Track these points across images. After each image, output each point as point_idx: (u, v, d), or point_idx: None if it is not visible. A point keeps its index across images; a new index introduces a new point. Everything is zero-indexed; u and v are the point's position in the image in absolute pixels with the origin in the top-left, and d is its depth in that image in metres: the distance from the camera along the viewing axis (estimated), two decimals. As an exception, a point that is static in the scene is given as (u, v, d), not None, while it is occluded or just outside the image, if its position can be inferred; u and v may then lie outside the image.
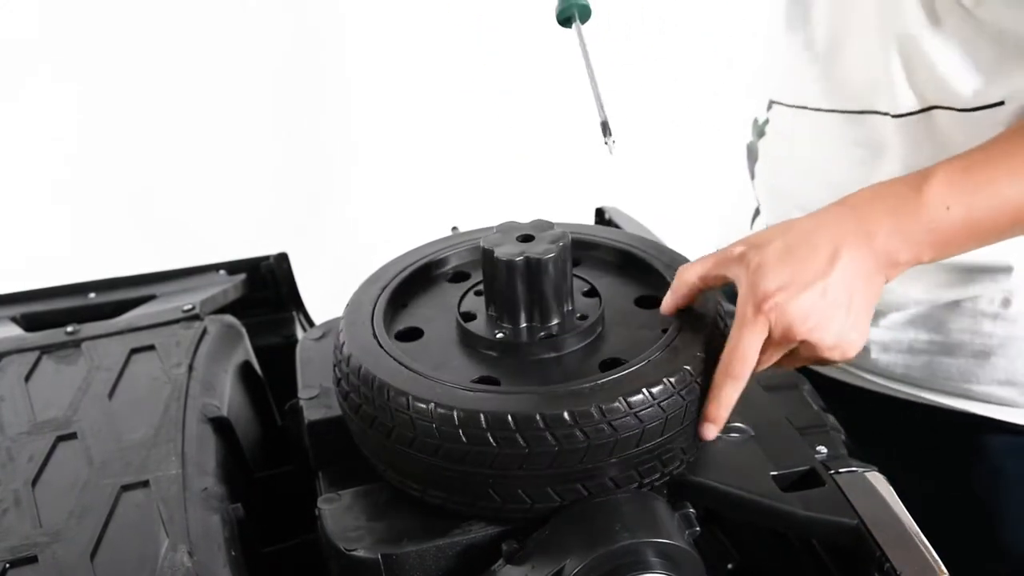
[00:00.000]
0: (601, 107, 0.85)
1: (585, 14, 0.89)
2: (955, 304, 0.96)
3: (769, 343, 0.72)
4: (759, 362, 0.73)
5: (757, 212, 1.11)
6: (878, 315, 0.99)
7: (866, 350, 1.01)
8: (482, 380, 0.75)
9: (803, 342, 0.72)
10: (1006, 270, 0.92)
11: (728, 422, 0.82)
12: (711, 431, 0.74)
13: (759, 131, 1.07)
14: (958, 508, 1.00)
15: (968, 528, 1.00)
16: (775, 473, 0.79)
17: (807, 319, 0.71)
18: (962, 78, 0.86)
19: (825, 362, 0.76)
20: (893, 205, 0.75)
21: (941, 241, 0.76)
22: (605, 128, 0.84)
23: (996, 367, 0.96)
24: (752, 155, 1.09)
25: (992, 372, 0.96)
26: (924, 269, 0.88)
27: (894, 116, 0.91)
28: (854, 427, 0.94)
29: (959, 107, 0.87)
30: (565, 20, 0.88)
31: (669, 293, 0.78)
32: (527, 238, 0.80)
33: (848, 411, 0.95)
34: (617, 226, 1.18)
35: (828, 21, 0.95)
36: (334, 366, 0.79)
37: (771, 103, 1.04)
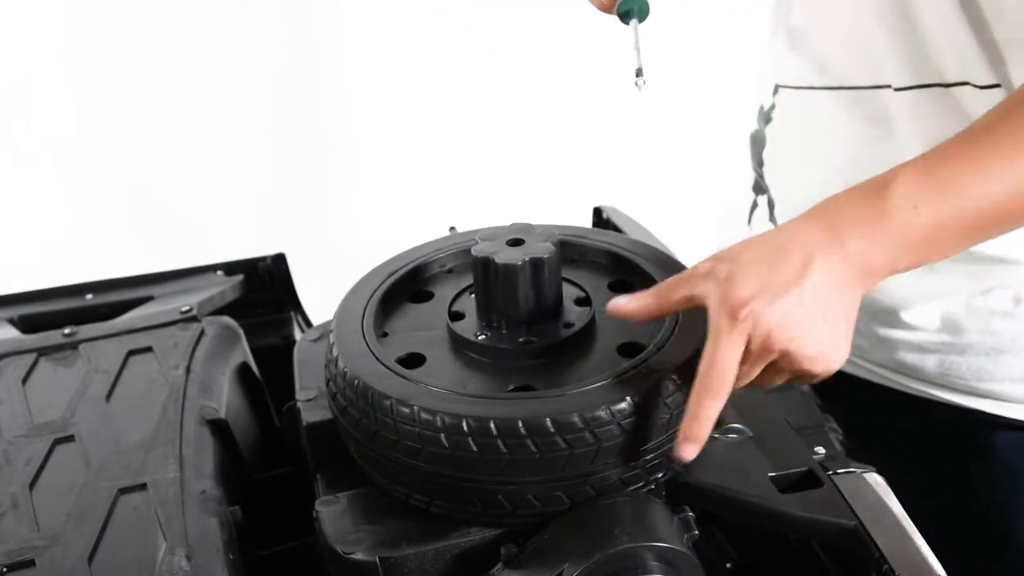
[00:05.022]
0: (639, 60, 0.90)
1: (644, 12, 0.93)
2: (967, 304, 0.95)
3: (747, 355, 0.69)
4: (740, 375, 0.70)
5: (755, 205, 1.10)
6: (888, 314, 0.98)
7: (883, 347, 1.01)
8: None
9: (784, 353, 0.69)
10: (1018, 264, 0.92)
11: (726, 423, 0.82)
12: (691, 450, 0.69)
13: (765, 117, 1.06)
14: (968, 507, 1.00)
15: (978, 527, 1.00)
16: (773, 474, 0.79)
17: (785, 327, 0.68)
18: (971, 56, 0.85)
19: (809, 376, 0.73)
20: (860, 210, 0.72)
21: (915, 244, 0.72)
22: (639, 72, 0.90)
23: (1009, 365, 0.96)
24: (758, 143, 1.08)
25: (1005, 369, 0.96)
26: (940, 278, 0.89)
27: (896, 89, 0.89)
28: (864, 422, 0.93)
29: (977, 84, 0.86)
30: (624, 14, 0.93)
31: (625, 302, 0.74)
32: (517, 242, 0.80)
33: (857, 405, 0.94)
34: (616, 226, 1.18)
35: None
36: (327, 380, 0.79)
37: (777, 87, 1.02)
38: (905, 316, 0.98)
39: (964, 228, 0.74)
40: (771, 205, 1.08)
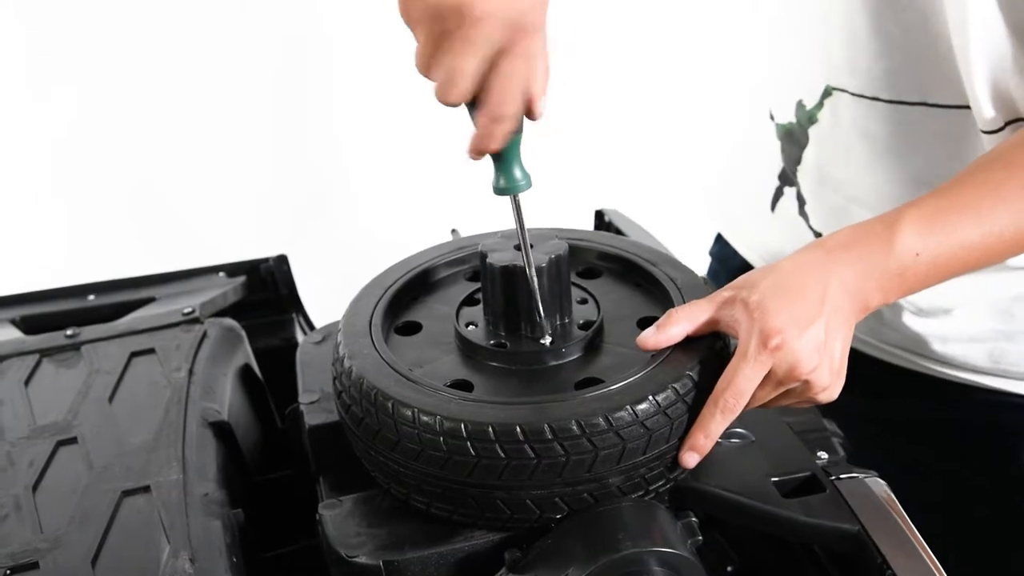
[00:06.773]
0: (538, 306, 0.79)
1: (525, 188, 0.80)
2: (1016, 291, 0.96)
3: (769, 380, 0.72)
4: (755, 398, 0.73)
5: (780, 193, 1.09)
6: (942, 312, 0.99)
7: (925, 342, 1.01)
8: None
9: (804, 382, 0.73)
10: None
11: (728, 428, 0.82)
12: (693, 459, 0.73)
13: (808, 116, 1.02)
14: (1015, 491, 1.01)
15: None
16: (776, 479, 0.79)
17: (812, 358, 0.71)
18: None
19: (815, 403, 0.76)
20: (865, 251, 0.76)
21: (908, 285, 0.77)
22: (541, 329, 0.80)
23: None
24: (796, 140, 1.04)
25: None
26: (992, 271, 0.89)
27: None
28: (900, 415, 0.94)
29: None
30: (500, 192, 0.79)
31: (653, 334, 0.75)
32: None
33: (904, 396, 0.93)
34: (618, 228, 1.18)
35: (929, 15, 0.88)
36: (334, 379, 0.79)
37: (830, 89, 0.98)
38: (958, 312, 0.98)
39: (955, 269, 0.79)
40: (800, 200, 1.06)
